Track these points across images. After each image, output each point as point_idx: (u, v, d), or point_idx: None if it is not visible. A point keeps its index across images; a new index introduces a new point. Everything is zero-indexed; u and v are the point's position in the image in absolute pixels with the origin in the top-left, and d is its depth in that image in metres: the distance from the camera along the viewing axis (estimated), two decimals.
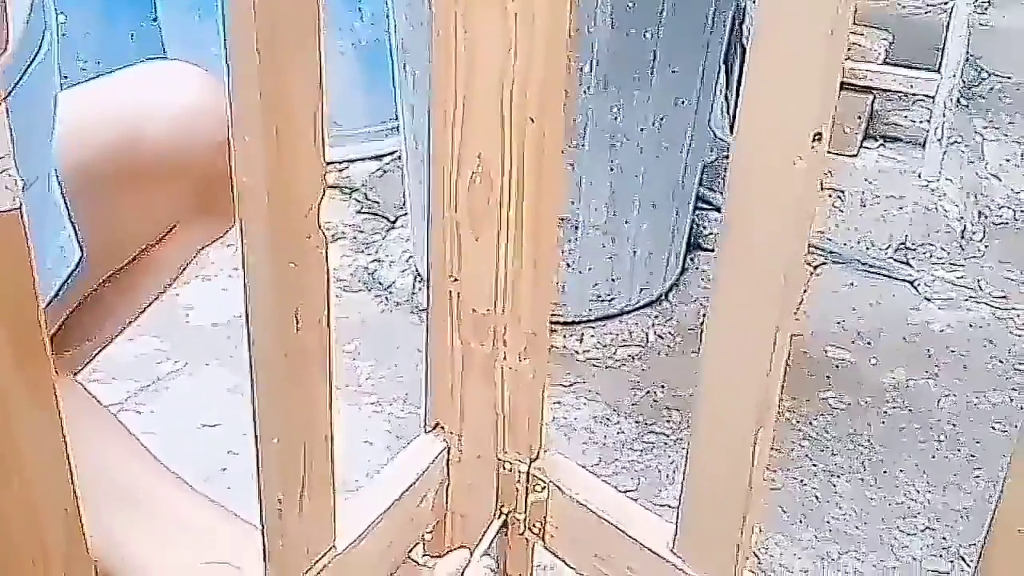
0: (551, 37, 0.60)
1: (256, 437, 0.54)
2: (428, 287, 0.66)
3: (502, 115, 0.60)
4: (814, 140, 0.50)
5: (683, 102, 1.33)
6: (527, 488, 0.66)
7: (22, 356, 0.38)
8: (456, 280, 0.64)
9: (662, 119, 1.33)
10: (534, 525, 0.66)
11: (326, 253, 0.52)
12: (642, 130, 1.32)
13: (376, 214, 1.67)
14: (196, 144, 0.75)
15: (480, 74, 0.60)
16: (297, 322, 0.51)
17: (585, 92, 1.28)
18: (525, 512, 0.66)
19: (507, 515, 0.67)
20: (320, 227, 0.52)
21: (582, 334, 1.42)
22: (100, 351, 0.89)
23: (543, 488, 0.65)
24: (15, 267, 0.36)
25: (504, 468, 0.66)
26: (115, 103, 0.77)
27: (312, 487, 0.56)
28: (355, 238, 1.62)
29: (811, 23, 0.48)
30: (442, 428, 0.67)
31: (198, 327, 1.40)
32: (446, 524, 0.69)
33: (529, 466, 0.66)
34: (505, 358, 0.65)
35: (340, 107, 1.76)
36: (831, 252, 1.58)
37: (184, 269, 0.89)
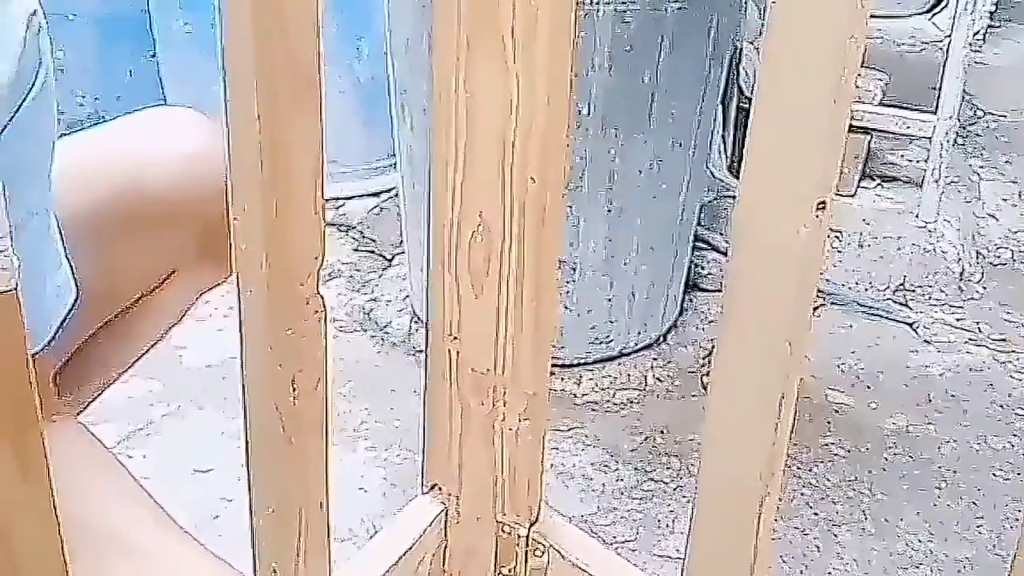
0: (553, 97, 0.59)
1: (250, 505, 0.53)
2: (427, 345, 0.65)
3: (503, 175, 0.60)
4: (818, 208, 0.50)
5: (681, 144, 1.34)
6: (527, 552, 0.64)
7: (13, 433, 0.37)
8: (456, 339, 0.63)
9: (660, 161, 1.33)
10: None
11: (324, 319, 0.51)
12: (640, 172, 1.32)
13: (373, 252, 1.67)
14: (198, 191, 0.75)
15: (481, 134, 0.60)
16: (294, 390, 0.50)
17: (583, 135, 1.28)
18: None
19: None
20: (319, 292, 0.51)
21: (580, 376, 1.40)
22: (98, 396, 0.88)
23: (543, 553, 0.64)
24: (9, 349, 0.35)
25: (503, 531, 0.65)
26: (116, 149, 0.77)
27: (307, 555, 0.55)
28: (351, 277, 1.61)
29: (814, 92, 0.48)
30: (440, 489, 0.66)
31: (191, 369, 1.39)
32: None
33: (529, 529, 0.64)
34: (504, 419, 0.64)
35: (337, 144, 1.76)
36: (830, 294, 1.57)
37: (184, 314, 0.88)
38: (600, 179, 1.31)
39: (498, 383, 0.63)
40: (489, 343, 0.63)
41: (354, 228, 1.72)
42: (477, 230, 0.61)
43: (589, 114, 1.27)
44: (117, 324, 0.82)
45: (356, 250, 1.67)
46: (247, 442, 0.50)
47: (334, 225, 1.72)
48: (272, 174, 0.46)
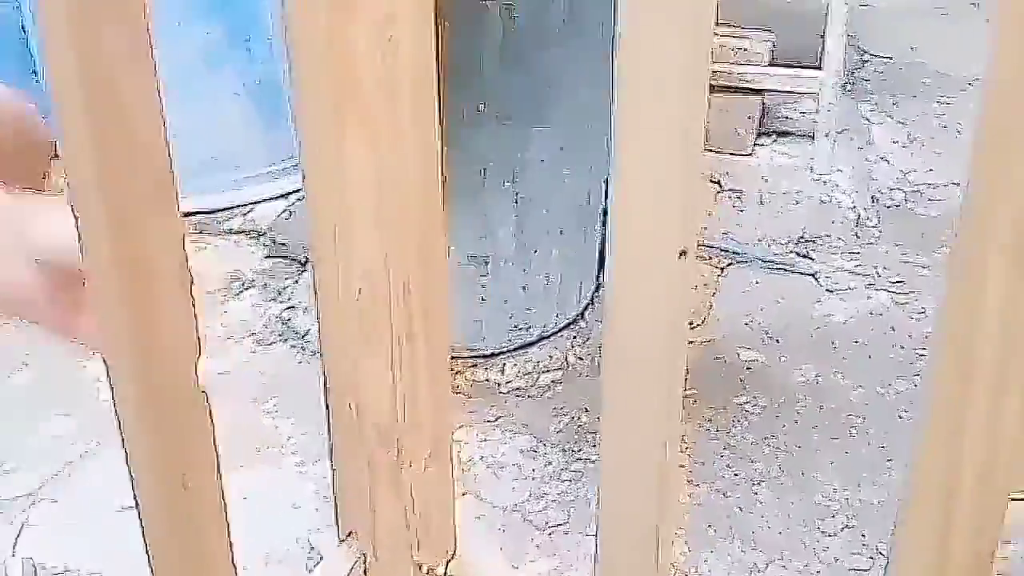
0: (421, 165, 0.60)
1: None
2: (327, 403, 0.66)
3: (382, 238, 0.60)
4: (680, 256, 0.52)
5: (582, 127, 1.35)
6: None
7: None
8: (355, 395, 0.64)
9: (561, 149, 1.34)
10: None
11: (208, 405, 0.52)
12: (543, 160, 1.33)
13: (286, 257, 1.65)
14: None
15: (356, 204, 0.60)
16: (184, 480, 0.51)
17: (481, 132, 1.28)
18: None
19: None
20: (199, 383, 0.51)
21: (503, 365, 1.43)
22: None
23: None
24: None
25: (421, 571, 0.67)
26: None
27: None
28: (266, 285, 1.59)
29: (669, 143, 0.49)
30: (355, 536, 0.68)
31: (109, 402, 1.36)
32: None
33: (446, 568, 0.67)
34: (411, 465, 0.65)
35: (240, 148, 1.72)
36: (735, 253, 1.62)
37: None
38: (504, 172, 1.31)
39: (401, 433, 0.64)
40: (388, 396, 0.64)
41: (264, 234, 1.69)
42: (362, 290, 0.62)
43: (485, 109, 1.27)
44: None
45: (268, 256, 1.65)
46: (143, 534, 0.51)
47: (243, 232, 1.70)
48: (130, 260, 0.45)
